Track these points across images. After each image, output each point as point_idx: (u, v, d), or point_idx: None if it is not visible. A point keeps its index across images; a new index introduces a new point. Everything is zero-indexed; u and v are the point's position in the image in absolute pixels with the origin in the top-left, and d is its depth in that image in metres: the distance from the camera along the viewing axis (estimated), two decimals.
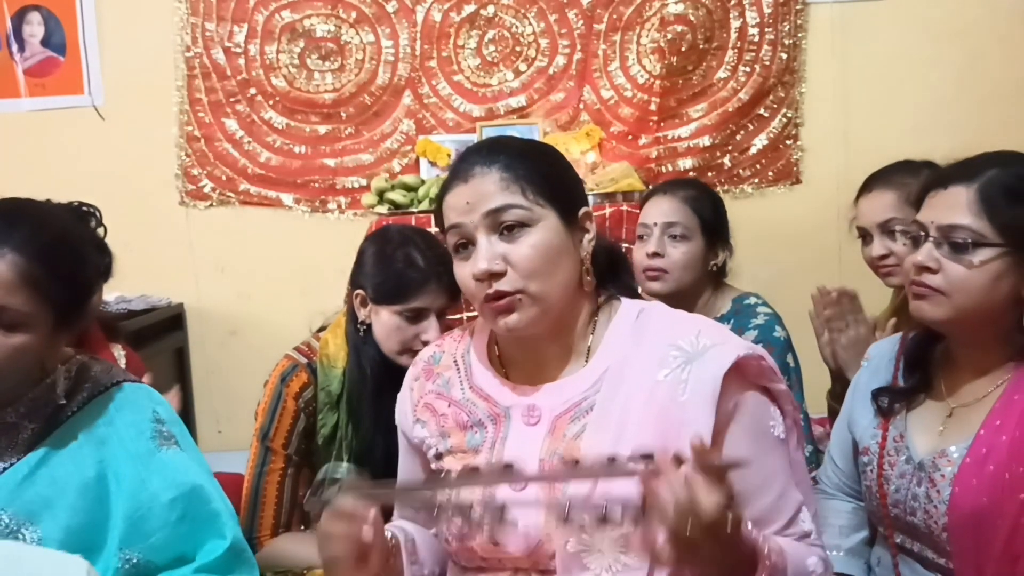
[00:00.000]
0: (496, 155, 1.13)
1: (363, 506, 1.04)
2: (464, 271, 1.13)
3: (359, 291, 1.71)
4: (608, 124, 3.12)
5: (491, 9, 3.11)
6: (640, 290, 1.50)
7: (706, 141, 3.12)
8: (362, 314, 1.71)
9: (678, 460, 0.88)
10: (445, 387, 1.23)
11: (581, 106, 3.13)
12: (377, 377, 1.68)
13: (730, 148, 3.14)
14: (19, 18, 3.14)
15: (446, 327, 1.64)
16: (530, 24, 3.12)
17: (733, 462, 0.90)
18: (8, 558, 1.09)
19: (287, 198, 3.18)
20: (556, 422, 1.13)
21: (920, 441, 1.34)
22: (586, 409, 1.11)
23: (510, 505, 0.99)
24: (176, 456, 1.25)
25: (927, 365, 1.39)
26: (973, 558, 1.23)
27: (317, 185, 3.17)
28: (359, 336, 1.71)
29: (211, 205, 3.19)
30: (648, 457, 0.90)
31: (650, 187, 2.53)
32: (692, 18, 3.07)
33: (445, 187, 1.16)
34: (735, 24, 3.09)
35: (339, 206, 3.17)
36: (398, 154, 3.15)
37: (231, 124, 3.15)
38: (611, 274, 1.22)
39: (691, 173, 3.09)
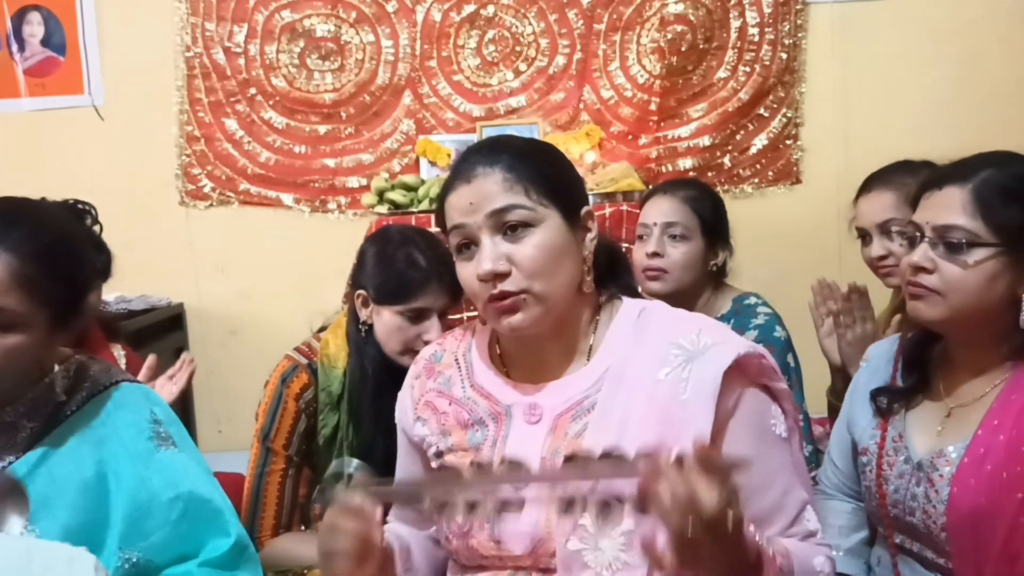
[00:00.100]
0: (499, 155, 1.13)
1: (372, 504, 1.04)
2: (467, 271, 1.13)
3: (360, 291, 1.71)
4: (608, 124, 3.12)
5: (491, 9, 3.11)
6: (640, 290, 1.50)
7: (706, 141, 3.13)
8: (364, 314, 1.71)
9: (679, 460, 0.88)
10: (446, 385, 1.23)
11: (581, 106, 3.14)
12: (378, 377, 1.68)
13: (730, 148, 3.14)
14: (19, 18, 3.14)
15: (447, 327, 1.65)
16: (530, 24, 3.12)
17: (735, 461, 0.90)
18: (19, 552, 1.09)
19: (287, 198, 3.18)
20: (557, 421, 1.13)
21: (919, 441, 1.34)
22: (587, 408, 1.12)
23: (513, 500, 0.99)
24: (174, 456, 1.25)
25: (925, 365, 1.39)
26: (972, 558, 1.23)
27: (317, 185, 3.17)
28: (361, 336, 1.71)
29: (211, 205, 3.19)
30: (649, 455, 0.90)
31: (650, 187, 2.53)
32: (692, 18, 3.08)
33: (447, 187, 1.16)
34: (735, 24, 3.09)
35: (339, 206, 3.17)
36: (398, 154, 3.15)
37: (231, 124, 3.15)
38: (611, 274, 1.23)
39: (691, 173, 3.10)
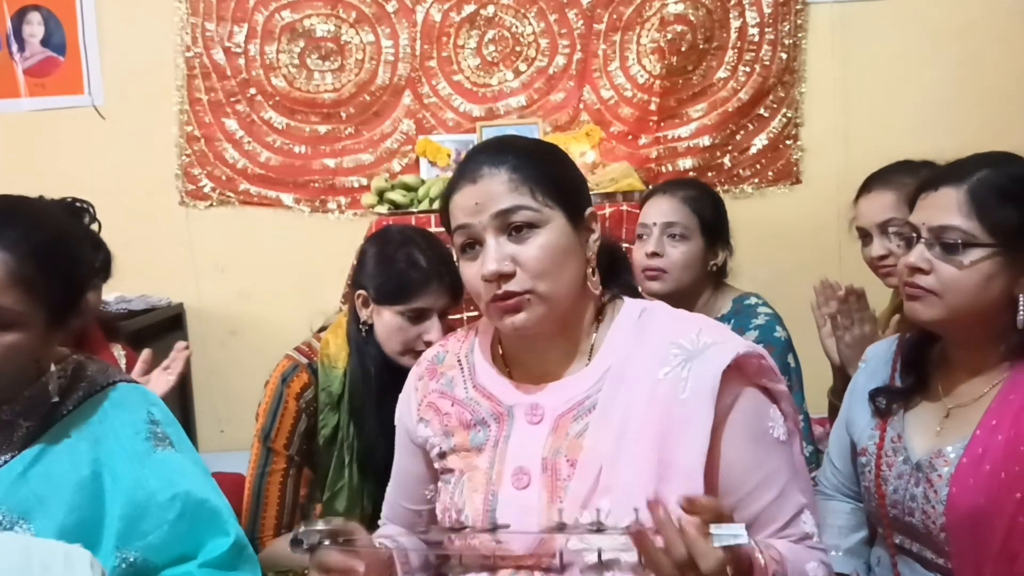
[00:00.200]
0: (504, 155, 1.13)
1: (347, 560, 1.04)
2: (472, 271, 1.13)
3: (361, 291, 1.71)
4: (608, 124, 3.12)
5: (491, 9, 3.11)
6: (640, 290, 1.50)
7: (706, 141, 3.12)
8: (364, 315, 1.71)
9: (666, 518, 0.90)
10: (449, 386, 1.23)
11: (581, 106, 3.13)
12: (379, 377, 1.68)
13: (730, 148, 3.14)
14: (19, 18, 3.14)
15: (448, 327, 1.65)
16: (530, 24, 3.12)
17: (728, 515, 0.92)
18: (18, 550, 1.09)
19: (287, 198, 3.18)
20: (559, 421, 1.13)
21: (917, 442, 1.34)
22: (589, 408, 1.12)
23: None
24: (172, 457, 1.25)
25: (924, 366, 1.39)
26: (971, 557, 1.23)
27: (317, 185, 3.17)
28: (361, 336, 1.71)
29: (211, 205, 3.19)
30: (639, 529, 0.92)
31: (650, 187, 2.53)
32: (692, 18, 3.08)
33: (452, 186, 1.16)
34: (735, 24, 3.09)
35: (339, 206, 3.17)
36: (398, 154, 3.15)
37: (231, 124, 3.15)
38: (612, 274, 1.23)
39: (691, 173, 3.09)
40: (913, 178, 1.70)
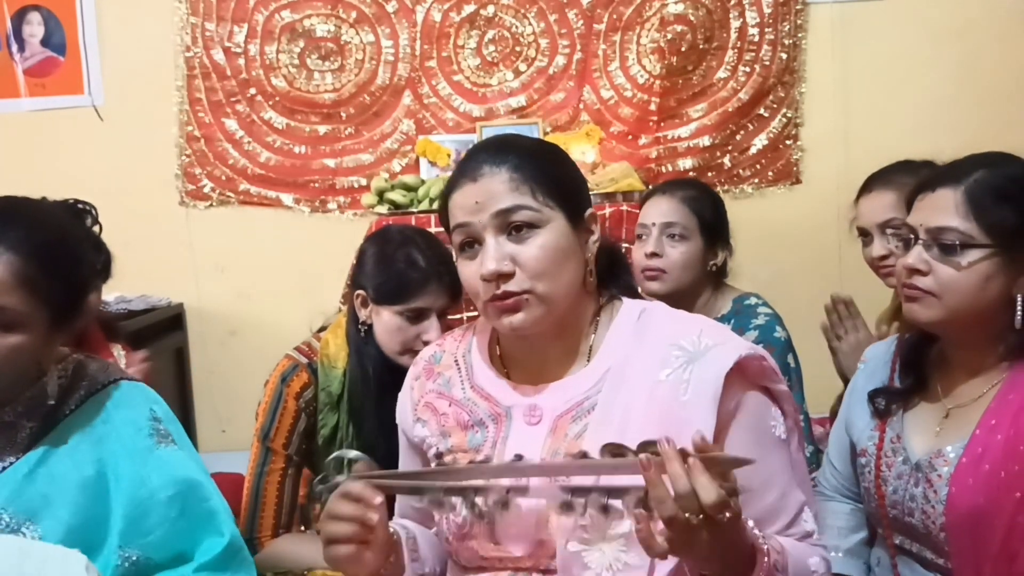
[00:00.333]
0: (505, 155, 1.13)
1: (371, 491, 1.03)
2: (470, 270, 1.13)
3: (360, 291, 1.71)
4: (608, 124, 3.12)
5: (491, 9, 3.11)
6: (640, 290, 1.50)
7: (706, 141, 3.12)
8: (363, 314, 1.71)
9: (683, 453, 0.89)
10: (446, 386, 1.23)
11: (581, 106, 3.13)
12: (378, 377, 1.68)
13: (730, 148, 3.14)
14: (19, 18, 3.14)
15: (447, 327, 1.65)
16: (530, 24, 3.12)
17: (736, 459, 0.90)
18: (14, 551, 1.09)
19: (287, 198, 3.18)
20: (558, 422, 1.13)
21: (917, 442, 1.34)
22: (588, 409, 1.12)
23: (515, 488, 0.98)
24: (173, 454, 1.25)
25: (922, 366, 1.39)
26: (971, 557, 1.23)
27: (317, 185, 3.17)
28: (360, 337, 1.71)
29: (211, 205, 3.19)
30: (651, 444, 0.90)
31: (650, 187, 2.53)
32: (692, 18, 3.07)
33: (452, 185, 1.16)
34: (735, 24, 3.09)
35: (339, 206, 3.17)
36: (398, 154, 3.15)
37: (231, 124, 3.15)
38: (611, 274, 1.23)
39: (691, 173, 3.09)
40: (913, 178, 1.70)
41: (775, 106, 3.13)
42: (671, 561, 1.01)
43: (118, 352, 1.96)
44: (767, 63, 3.09)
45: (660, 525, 0.90)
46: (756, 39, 3.09)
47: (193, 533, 1.22)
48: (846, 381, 1.87)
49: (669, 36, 3.07)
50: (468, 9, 3.10)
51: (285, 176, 3.16)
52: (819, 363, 1.93)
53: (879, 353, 1.50)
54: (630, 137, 3.13)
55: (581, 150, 2.92)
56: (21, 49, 3.14)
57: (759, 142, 3.14)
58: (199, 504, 1.23)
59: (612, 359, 1.14)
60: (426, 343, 1.59)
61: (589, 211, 1.17)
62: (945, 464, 1.27)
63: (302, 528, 1.75)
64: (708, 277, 2.03)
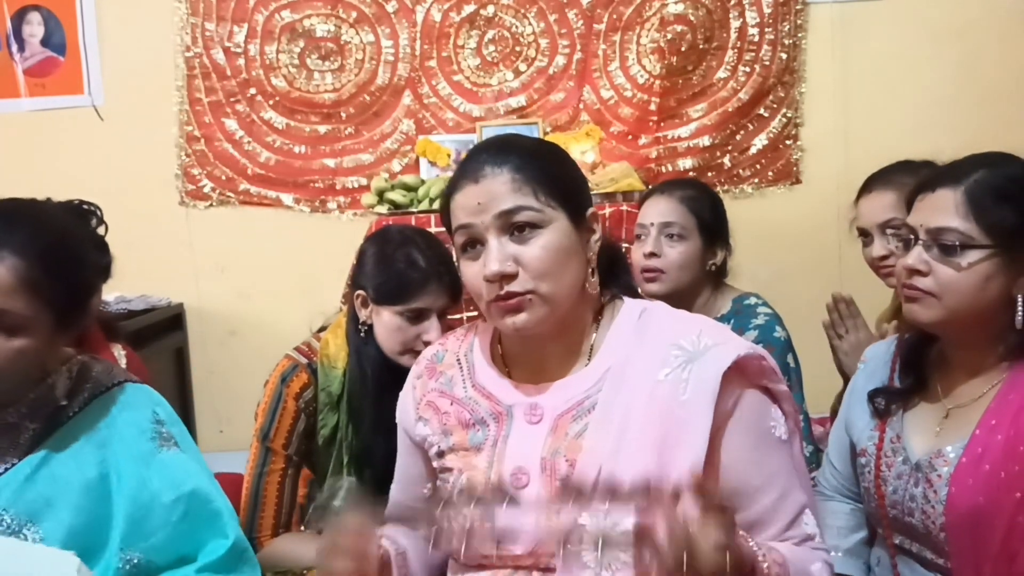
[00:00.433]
0: (507, 155, 1.13)
1: (368, 524, 1.06)
2: (473, 271, 1.13)
3: (360, 292, 1.71)
4: (608, 124, 3.12)
5: (491, 9, 3.11)
6: (639, 290, 1.50)
7: (706, 141, 3.13)
8: (363, 315, 1.71)
9: (675, 495, 0.89)
10: (448, 385, 1.23)
11: (581, 106, 3.14)
12: (378, 378, 1.68)
13: (730, 148, 3.15)
14: (19, 18, 3.14)
15: (447, 327, 1.65)
16: (530, 24, 3.12)
17: (730, 494, 0.91)
18: (5, 552, 1.09)
19: (287, 198, 3.18)
20: (558, 421, 1.13)
21: (917, 442, 1.34)
22: (588, 408, 1.12)
23: (508, 528, 1.00)
24: (176, 457, 1.25)
25: (922, 366, 1.39)
26: (971, 557, 1.23)
27: (317, 185, 3.17)
28: (360, 337, 1.71)
29: (211, 205, 3.19)
30: (645, 490, 0.91)
31: (649, 187, 2.53)
32: (692, 18, 3.08)
33: (453, 186, 1.16)
34: (735, 24, 3.09)
35: (339, 206, 3.17)
36: (398, 154, 3.15)
37: (231, 124, 3.15)
38: (612, 274, 1.23)
39: (691, 173, 3.10)
40: (913, 178, 1.70)
41: (775, 106, 3.13)
42: None
43: (118, 352, 1.96)
44: (767, 63, 3.10)
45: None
46: (756, 39, 3.09)
47: (196, 536, 1.22)
48: (847, 379, 1.88)
49: (669, 36, 3.07)
50: (468, 9, 3.10)
51: (285, 176, 3.17)
52: (819, 363, 1.93)
53: (879, 353, 1.50)
54: (630, 137, 3.14)
55: (581, 150, 2.93)
56: (21, 49, 3.14)
57: (759, 142, 3.14)
58: (202, 507, 1.23)
59: (613, 359, 1.14)
60: (426, 343, 1.60)
61: (590, 210, 1.17)
62: (945, 464, 1.27)
63: (301, 528, 1.75)
64: (707, 277, 2.02)
